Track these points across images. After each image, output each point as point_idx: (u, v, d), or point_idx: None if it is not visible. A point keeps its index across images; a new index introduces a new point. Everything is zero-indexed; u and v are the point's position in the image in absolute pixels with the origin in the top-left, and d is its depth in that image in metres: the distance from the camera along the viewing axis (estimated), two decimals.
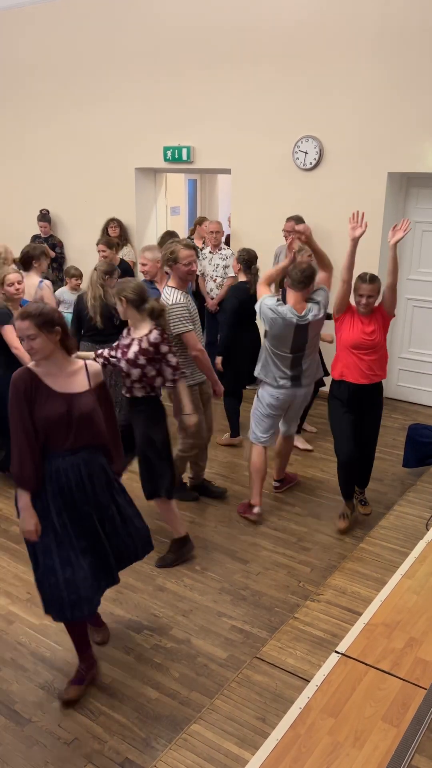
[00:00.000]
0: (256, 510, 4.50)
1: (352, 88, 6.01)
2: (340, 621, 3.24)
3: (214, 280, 6.83)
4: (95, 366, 2.93)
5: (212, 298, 6.88)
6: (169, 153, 7.23)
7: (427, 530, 3.94)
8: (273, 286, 4.47)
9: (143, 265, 5.14)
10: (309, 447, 5.69)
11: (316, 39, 6.10)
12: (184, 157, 7.14)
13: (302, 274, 4.12)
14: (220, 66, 6.73)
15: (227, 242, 7.65)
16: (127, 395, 3.80)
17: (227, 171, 7.11)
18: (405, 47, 5.67)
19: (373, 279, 4.10)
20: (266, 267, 6.40)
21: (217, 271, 6.80)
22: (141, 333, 3.71)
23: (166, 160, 7.31)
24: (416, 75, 5.67)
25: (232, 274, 6.77)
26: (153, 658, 3.26)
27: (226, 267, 6.77)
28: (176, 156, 7.20)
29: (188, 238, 8.16)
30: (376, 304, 4.21)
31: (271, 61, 6.40)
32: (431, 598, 3.10)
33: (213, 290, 6.87)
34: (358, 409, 4.27)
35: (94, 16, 7.52)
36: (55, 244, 8.20)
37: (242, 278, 5.43)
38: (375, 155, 6.02)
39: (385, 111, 5.88)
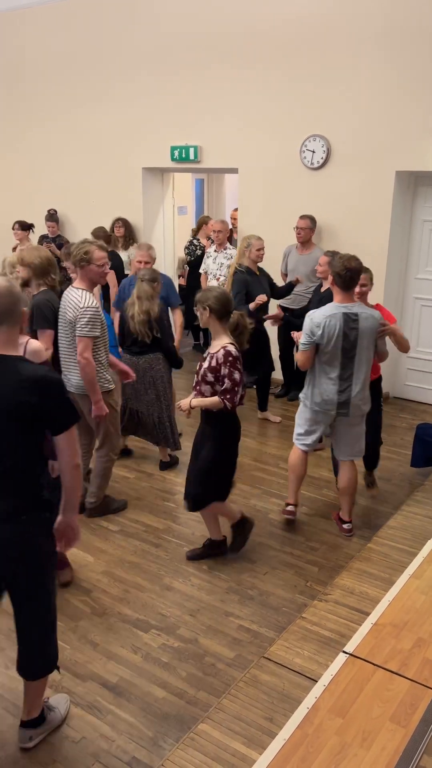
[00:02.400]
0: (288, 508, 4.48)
1: (359, 86, 5.99)
2: (347, 621, 3.22)
3: (218, 279, 6.84)
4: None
5: None
6: (176, 152, 7.23)
7: None
8: None
9: (147, 263, 5.17)
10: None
11: (323, 38, 6.09)
12: (192, 157, 7.14)
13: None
14: (227, 65, 6.72)
15: (231, 240, 7.65)
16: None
17: (234, 170, 7.11)
18: (411, 45, 5.65)
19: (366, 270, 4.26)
20: (274, 265, 6.41)
21: (221, 269, 6.81)
22: (215, 348, 3.65)
23: (173, 159, 7.31)
24: (423, 73, 5.65)
25: None
26: (160, 657, 3.26)
27: (230, 266, 6.78)
28: (183, 155, 7.20)
29: (193, 237, 8.17)
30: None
31: (278, 61, 6.39)
32: None
33: None
34: None
35: (101, 16, 7.53)
36: (63, 244, 8.19)
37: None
38: (382, 154, 6.00)
39: (393, 109, 5.86)
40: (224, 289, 3.95)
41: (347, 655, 2.73)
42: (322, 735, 2.33)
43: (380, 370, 4.58)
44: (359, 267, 3.95)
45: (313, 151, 6.34)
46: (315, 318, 3.92)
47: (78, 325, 3.96)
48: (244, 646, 3.34)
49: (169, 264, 8.26)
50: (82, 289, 4.05)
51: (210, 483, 3.84)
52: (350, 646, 2.79)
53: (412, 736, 2.26)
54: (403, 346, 4.36)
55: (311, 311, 4.02)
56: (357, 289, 4.14)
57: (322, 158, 6.30)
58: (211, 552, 4.09)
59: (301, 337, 4.02)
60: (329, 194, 6.37)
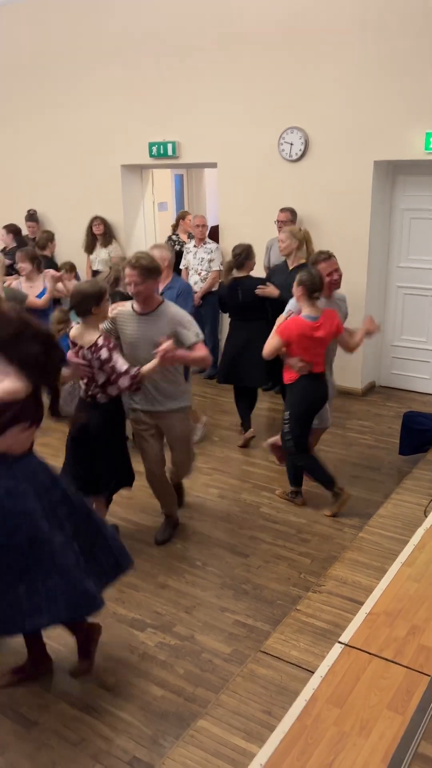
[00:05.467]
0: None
1: (335, 77, 5.99)
2: (342, 611, 3.24)
3: (199, 274, 6.83)
4: None
5: (195, 292, 6.88)
6: (154, 149, 7.20)
7: (426, 517, 3.96)
8: None
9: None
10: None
11: (298, 29, 6.08)
12: (170, 153, 7.11)
13: None
14: (203, 60, 6.69)
15: (213, 235, 7.64)
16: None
17: (213, 165, 7.09)
18: (386, 36, 5.65)
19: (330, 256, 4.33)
20: (257, 259, 6.40)
21: (201, 264, 6.80)
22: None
23: (151, 156, 7.28)
24: (399, 62, 5.66)
25: (217, 268, 6.77)
26: (157, 655, 3.26)
27: (210, 261, 6.77)
28: (162, 152, 7.17)
29: (172, 233, 8.14)
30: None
31: (254, 53, 6.37)
32: (431, 585, 3.12)
33: (197, 283, 6.87)
34: None
35: (74, 11, 7.46)
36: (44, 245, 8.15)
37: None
38: (361, 144, 6.00)
39: (370, 100, 5.87)
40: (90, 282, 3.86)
41: (343, 646, 2.75)
42: (320, 726, 2.35)
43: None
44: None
45: (291, 144, 6.34)
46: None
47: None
48: (240, 640, 3.36)
49: None
50: None
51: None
52: (345, 637, 2.81)
53: (410, 723, 2.28)
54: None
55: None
56: (326, 279, 4.24)
57: (300, 150, 6.30)
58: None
59: None
60: (309, 186, 6.38)
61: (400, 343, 6.70)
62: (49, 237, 7.54)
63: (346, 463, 5.31)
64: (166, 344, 3.48)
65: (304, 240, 5.31)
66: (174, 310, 3.82)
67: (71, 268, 6.88)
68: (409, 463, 5.13)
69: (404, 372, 6.74)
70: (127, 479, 4.05)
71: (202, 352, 3.75)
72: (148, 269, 3.65)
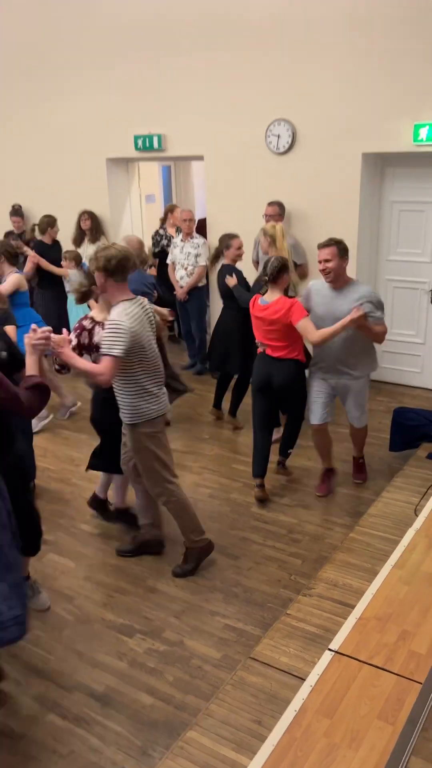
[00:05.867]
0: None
1: (323, 69, 5.91)
2: (332, 615, 3.21)
3: (185, 268, 6.77)
4: None
5: (182, 287, 6.82)
6: (139, 142, 7.10)
7: (416, 516, 3.94)
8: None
9: None
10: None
11: (286, 21, 5.98)
12: (156, 146, 7.02)
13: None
14: (188, 51, 6.58)
15: (201, 227, 7.56)
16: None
17: (200, 158, 7.00)
18: (374, 28, 5.57)
19: (327, 243, 4.27)
20: (245, 253, 6.33)
21: (188, 259, 6.73)
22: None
23: (137, 149, 7.18)
24: (387, 54, 5.58)
25: (203, 263, 6.70)
26: (146, 662, 3.23)
27: (197, 255, 6.70)
28: (147, 144, 7.07)
29: (160, 227, 8.05)
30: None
31: (240, 45, 6.28)
32: (422, 587, 3.10)
33: (183, 278, 6.81)
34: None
35: (59, 6, 7.32)
36: (30, 240, 8.05)
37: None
38: (348, 136, 5.93)
39: (358, 91, 5.79)
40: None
41: (333, 653, 2.72)
42: (310, 738, 2.32)
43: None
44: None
45: (279, 136, 6.26)
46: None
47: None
48: (231, 645, 3.33)
49: (138, 254, 8.13)
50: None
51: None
52: (335, 643, 2.78)
53: (400, 738, 2.25)
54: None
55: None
56: (320, 267, 4.27)
57: (287, 142, 6.22)
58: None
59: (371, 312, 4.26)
60: (297, 179, 6.31)
61: (390, 336, 6.59)
62: (50, 222, 7.18)
63: (336, 459, 5.26)
64: None
65: (274, 237, 5.23)
66: None
67: (75, 257, 6.81)
68: (399, 459, 5.11)
69: (395, 366, 6.71)
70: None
71: None
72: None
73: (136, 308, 3.46)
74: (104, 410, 3.97)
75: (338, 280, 4.28)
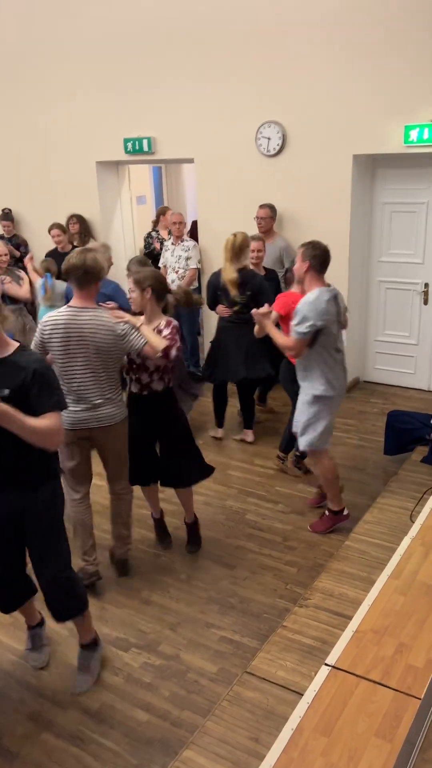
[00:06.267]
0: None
1: (312, 71, 5.87)
2: (329, 626, 3.19)
3: (176, 272, 6.72)
4: None
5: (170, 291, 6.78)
6: (129, 145, 7.05)
7: (412, 522, 3.91)
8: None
9: None
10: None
11: (275, 22, 5.94)
12: (145, 148, 6.96)
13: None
14: (177, 54, 6.53)
15: (194, 229, 7.52)
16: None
17: (190, 160, 6.95)
18: (363, 28, 5.53)
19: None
20: None
21: (179, 262, 6.69)
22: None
23: (127, 152, 7.12)
24: (376, 56, 5.55)
25: (194, 266, 6.66)
26: (142, 677, 3.20)
27: (188, 258, 6.66)
28: (137, 147, 7.02)
29: (152, 229, 8.01)
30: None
31: (229, 47, 6.23)
32: (418, 598, 3.08)
33: (174, 282, 6.76)
34: None
35: (47, 9, 7.25)
36: (20, 243, 7.99)
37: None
38: (339, 138, 5.90)
39: (347, 93, 5.76)
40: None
41: (330, 668, 2.69)
42: (307, 758, 2.30)
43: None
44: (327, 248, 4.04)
45: (269, 138, 6.22)
46: (324, 300, 3.89)
47: (125, 348, 3.57)
48: (227, 658, 3.30)
49: (129, 256, 8.08)
50: (101, 308, 3.59)
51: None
52: (332, 658, 2.75)
53: (399, 757, 2.23)
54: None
55: (309, 296, 3.92)
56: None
57: (278, 145, 6.18)
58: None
59: (296, 324, 3.90)
60: (288, 181, 6.27)
61: (382, 338, 6.64)
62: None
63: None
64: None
65: (239, 248, 5.20)
66: None
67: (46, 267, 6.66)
68: (394, 463, 5.09)
69: (388, 367, 6.69)
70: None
71: None
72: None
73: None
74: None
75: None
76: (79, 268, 3.42)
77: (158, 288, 3.74)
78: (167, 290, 3.89)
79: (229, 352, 5.42)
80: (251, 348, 5.27)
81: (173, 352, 3.60)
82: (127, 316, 3.57)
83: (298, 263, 4.01)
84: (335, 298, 4.00)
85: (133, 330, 3.54)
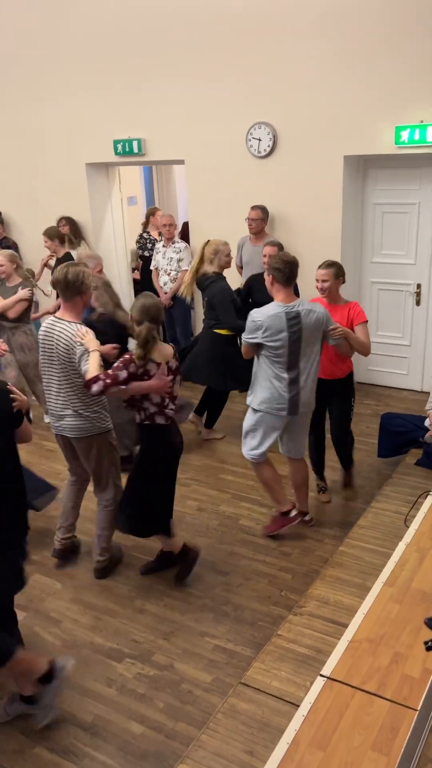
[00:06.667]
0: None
1: (302, 72, 5.84)
2: (324, 635, 3.17)
3: (168, 274, 6.69)
4: None
5: (165, 293, 6.74)
6: (119, 146, 7.00)
7: (407, 527, 3.89)
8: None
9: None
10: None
11: (265, 23, 5.90)
12: (135, 150, 6.92)
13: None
14: (167, 55, 6.48)
15: (186, 230, 7.48)
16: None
17: (181, 162, 6.91)
18: (354, 29, 5.51)
19: (329, 265, 4.29)
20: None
21: (171, 264, 6.66)
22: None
23: (116, 153, 7.07)
24: (366, 56, 5.52)
25: (186, 268, 6.62)
26: (136, 689, 3.17)
27: (180, 260, 6.62)
28: (127, 149, 6.97)
29: (143, 231, 7.96)
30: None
31: (220, 48, 6.19)
32: (413, 606, 3.05)
33: (167, 284, 6.73)
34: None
35: (37, 10, 7.18)
36: (9, 246, 7.92)
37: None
38: (330, 139, 5.87)
39: (338, 94, 5.73)
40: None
41: (325, 679, 2.67)
42: None
43: (351, 365, 4.55)
44: (296, 260, 3.94)
45: (260, 139, 6.18)
46: (256, 319, 3.83)
47: (83, 366, 3.53)
48: (221, 667, 3.28)
49: (121, 257, 8.06)
50: (76, 323, 3.61)
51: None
52: (327, 669, 2.73)
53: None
54: (358, 350, 4.34)
55: (253, 311, 3.90)
56: (318, 285, 4.27)
57: (268, 146, 6.15)
58: (163, 565, 4.02)
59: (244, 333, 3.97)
60: (279, 182, 6.24)
61: (375, 339, 6.57)
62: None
63: (324, 466, 5.23)
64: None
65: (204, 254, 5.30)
66: None
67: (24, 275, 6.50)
68: (388, 466, 5.07)
69: (381, 368, 6.67)
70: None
71: None
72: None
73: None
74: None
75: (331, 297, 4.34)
76: (60, 282, 3.55)
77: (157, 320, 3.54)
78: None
79: (198, 353, 5.45)
80: (218, 358, 5.32)
81: (94, 387, 3.37)
82: (87, 338, 3.52)
83: (266, 275, 3.99)
84: (292, 315, 3.81)
85: (86, 353, 3.50)
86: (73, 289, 3.56)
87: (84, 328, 3.59)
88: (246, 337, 3.93)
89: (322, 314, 3.94)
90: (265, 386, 3.97)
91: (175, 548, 3.91)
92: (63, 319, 3.61)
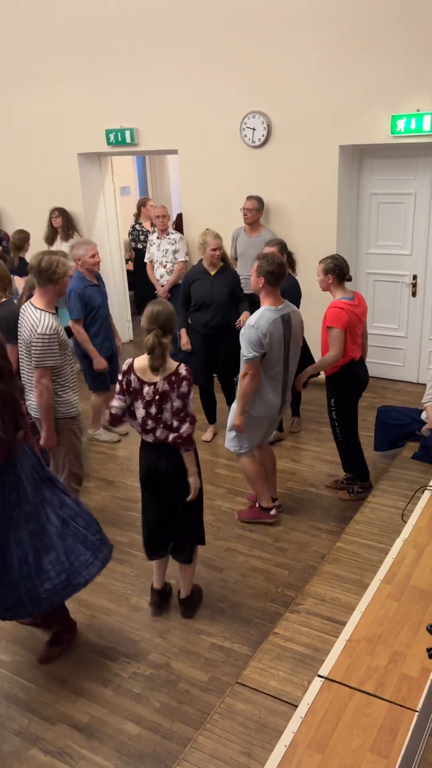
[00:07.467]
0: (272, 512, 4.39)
1: (297, 61, 5.75)
2: (321, 633, 3.14)
3: (164, 266, 6.61)
4: None
5: (162, 285, 6.67)
6: (111, 136, 6.90)
7: (404, 522, 3.86)
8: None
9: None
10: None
11: (259, 12, 5.80)
12: (128, 140, 6.82)
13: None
14: (159, 43, 6.38)
15: (180, 222, 7.39)
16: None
17: (174, 152, 6.82)
18: (348, 18, 5.42)
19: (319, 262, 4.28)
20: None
21: (166, 256, 6.58)
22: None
23: (109, 143, 6.98)
24: (360, 46, 5.43)
25: (182, 259, 6.55)
26: (132, 688, 3.14)
27: (176, 252, 6.54)
28: (119, 139, 6.87)
29: (135, 222, 7.87)
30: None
31: (213, 36, 6.08)
32: (411, 604, 3.03)
33: (163, 276, 6.65)
34: None
35: None
36: (1, 238, 7.84)
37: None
38: (325, 128, 5.79)
39: (333, 83, 5.65)
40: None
41: (323, 680, 2.64)
42: None
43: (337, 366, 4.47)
44: (284, 260, 3.97)
45: (254, 129, 6.10)
46: (262, 329, 3.76)
47: (34, 353, 3.64)
48: (218, 666, 3.25)
49: (114, 249, 7.97)
50: (42, 310, 3.68)
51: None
52: (325, 669, 2.70)
53: None
54: (325, 368, 4.38)
55: (250, 324, 3.81)
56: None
57: (263, 135, 6.06)
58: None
59: (243, 349, 3.84)
60: (274, 172, 6.16)
61: (371, 330, 6.54)
62: (25, 238, 6.96)
63: (320, 460, 5.21)
64: None
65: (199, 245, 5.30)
66: None
67: None
68: (385, 459, 5.05)
69: (377, 360, 6.62)
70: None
71: None
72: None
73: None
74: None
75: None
76: (33, 269, 3.68)
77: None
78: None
79: (195, 350, 5.51)
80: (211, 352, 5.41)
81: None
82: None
83: (253, 277, 3.90)
84: (286, 318, 3.84)
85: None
86: (44, 277, 3.67)
87: (48, 319, 3.64)
88: (256, 352, 3.78)
89: (299, 311, 4.04)
90: (265, 399, 4.01)
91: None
92: (33, 305, 3.74)
